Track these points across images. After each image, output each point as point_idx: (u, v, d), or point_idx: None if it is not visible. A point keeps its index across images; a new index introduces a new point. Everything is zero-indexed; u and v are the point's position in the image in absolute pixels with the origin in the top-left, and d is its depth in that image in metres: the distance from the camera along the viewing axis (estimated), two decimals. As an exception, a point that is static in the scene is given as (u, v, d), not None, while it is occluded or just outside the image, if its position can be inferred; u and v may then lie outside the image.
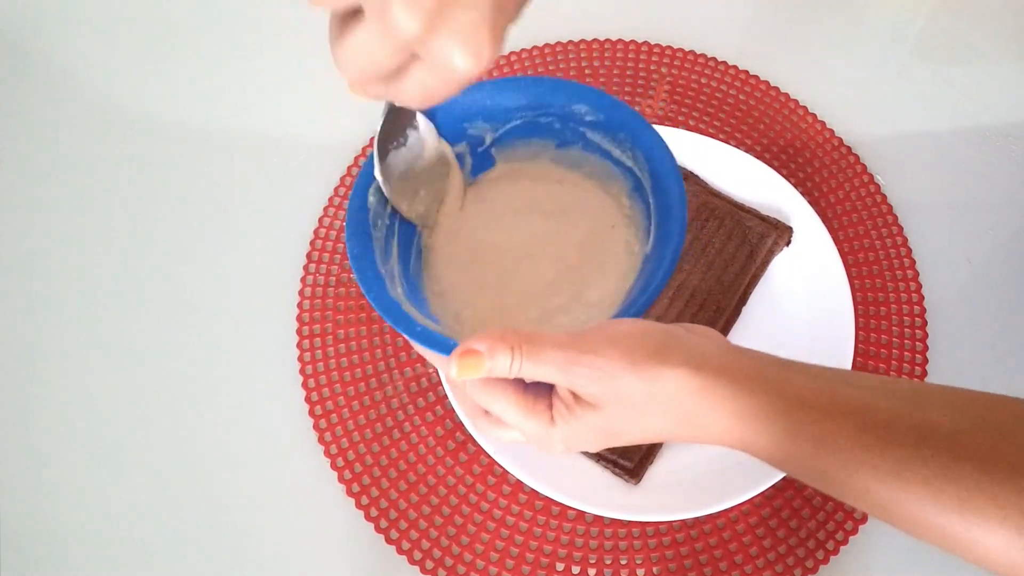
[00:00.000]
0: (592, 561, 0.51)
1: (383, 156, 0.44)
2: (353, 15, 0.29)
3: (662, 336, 0.35)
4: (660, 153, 0.45)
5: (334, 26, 0.31)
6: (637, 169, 0.47)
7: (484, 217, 0.50)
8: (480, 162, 0.51)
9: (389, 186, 0.45)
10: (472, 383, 0.37)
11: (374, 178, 0.45)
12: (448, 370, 0.35)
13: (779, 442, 0.34)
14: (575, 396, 0.35)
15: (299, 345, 0.58)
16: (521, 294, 0.47)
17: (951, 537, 0.31)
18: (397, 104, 0.34)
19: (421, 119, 0.46)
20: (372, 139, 0.44)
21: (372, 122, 0.67)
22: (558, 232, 0.49)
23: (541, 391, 0.37)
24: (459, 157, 0.49)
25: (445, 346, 0.38)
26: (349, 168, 0.66)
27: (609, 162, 0.49)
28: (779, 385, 0.34)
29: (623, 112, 0.46)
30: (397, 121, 0.44)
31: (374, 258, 0.43)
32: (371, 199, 0.45)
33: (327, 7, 0.29)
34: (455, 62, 0.28)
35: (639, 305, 0.40)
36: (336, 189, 0.65)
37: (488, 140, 0.49)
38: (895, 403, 0.33)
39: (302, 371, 0.57)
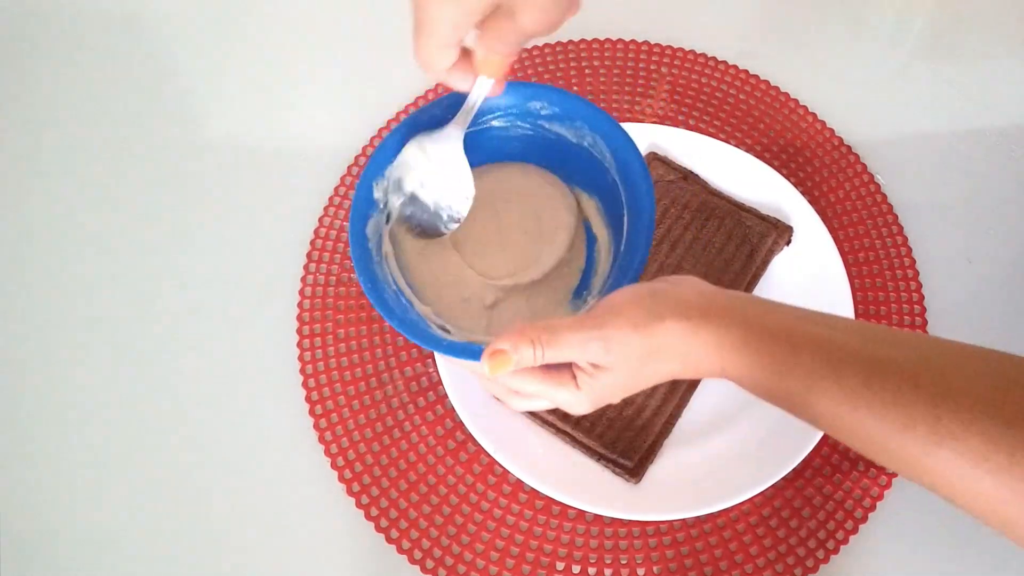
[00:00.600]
0: (592, 560, 0.51)
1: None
2: None
3: (652, 296, 0.40)
4: (615, 132, 0.47)
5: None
6: (597, 152, 0.49)
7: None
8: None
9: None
10: (503, 375, 0.42)
11: (367, 204, 0.46)
12: (481, 370, 0.40)
13: (750, 369, 0.38)
14: (594, 365, 0.40)
15: (299, 345, 0.58)
16: (484, 282, 0.49)
17: (896, 457, 0.35)
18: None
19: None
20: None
21: (372, 123, 0.68)
22: (517, 218, 0.51)
23: (562, 364, 0.42)
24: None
25: (471, 352, 0.42)
26: (349, 168, 0.66)
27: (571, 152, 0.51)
28: (749, 318, 0.39)
29: (574, 102, 0.48)
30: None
31: (384, 288, 0.45)
32: (369, 228, 0.46)
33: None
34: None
35: (632, 273, 0.44)
36: (336, 189, 0.65)
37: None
38: (853, 338, 0.37)
39: (302, 371, 0.57)
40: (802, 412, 0.38)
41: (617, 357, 0.39)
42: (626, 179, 0.47)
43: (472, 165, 0.47)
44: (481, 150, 0.49)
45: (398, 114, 0.68)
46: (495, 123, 0.50)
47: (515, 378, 0.42)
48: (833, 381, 0.36)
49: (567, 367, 0.42)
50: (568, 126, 0.49)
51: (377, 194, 0.47)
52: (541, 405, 0.46)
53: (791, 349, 0.37)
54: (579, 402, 0.42)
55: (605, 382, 0.41)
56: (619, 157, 0.47)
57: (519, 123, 0.50)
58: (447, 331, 0.47)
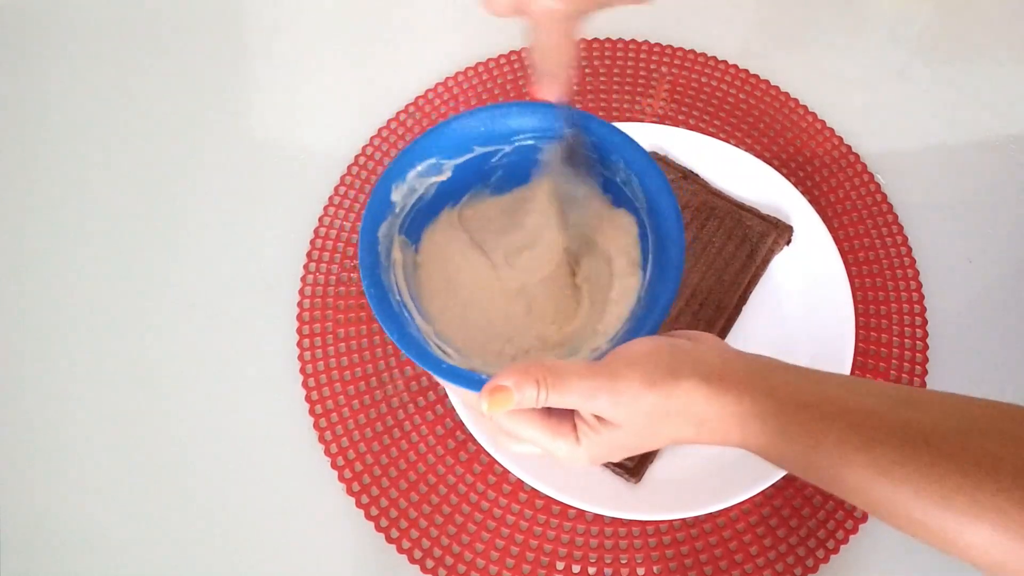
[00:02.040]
0: (592, 560, 0.51)
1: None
2: None
3: (671, 352, 0.37)
4: (651, 171, 0.45)
5: None
6: (628, 190, 0.47)
7: (466, 241, 0.50)
8: (472, 182, 0.50)
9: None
10: (500, 413, 0.39)
11: (383, 205, 0.45)
12: (480, 406, 0.37)
13: (775, 441, 0.36)
14: (598, 418, 0.38)
15: (299, 345, 0.58)
16: (503, 329, 0.48)
17: (935, 533, 0.33)
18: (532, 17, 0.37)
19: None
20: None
21: (371, 124, 0.68)
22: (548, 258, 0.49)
23: (563, 413, 0.39)
24: (462, 173, 0.49)
25: (471, 381, 0.40)
26: (349, 168, 0.66)
27: (600, 185, 0.49)
28: (775, 387, 0.36)
29: (616, 136, 0.46)
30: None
31: (389, 297, 0.44)
32: (381, 231, 0.45)
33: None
34: None
35: (651, 325, 0.41)
36: (336, 189, 0.65)
37: (495, 159, 0.49)
38: (883, 405, 0.35)
39: (302, 371, 0.57)
40: (832, 486, 0.36)
41: (626, 414, 0.37)
42: (658, 225, 0.45)
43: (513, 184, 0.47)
44: (518, 167, 0.48)
45: (398, 114, 0.68)
46: (528, 142, 0.48)
47: (512, 419, 0.39)
48: (865, 453, 0.34)
49: (568, 417, 0.39)
50: (604, 158, 0.47)
51: (395, 196, 0.46)
52: (532, 452, 0.42)
53: (820, 421, 0.35)
54: (576, 457, 0.39)
55: (608, 439, 0.38)
56: (652, 200, 0.45)
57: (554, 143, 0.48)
58: (445, 353, 0.45)
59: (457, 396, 0.53)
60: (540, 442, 0.39)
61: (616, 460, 0.40)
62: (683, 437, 0.38)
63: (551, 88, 0.40)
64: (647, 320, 0.42)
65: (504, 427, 0.40)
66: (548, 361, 0.37)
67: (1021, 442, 0.32)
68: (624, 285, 0.47)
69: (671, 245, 0.43)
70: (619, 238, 0.48)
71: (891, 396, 0.36)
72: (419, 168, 0.46)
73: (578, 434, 0.39)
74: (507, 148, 0.48)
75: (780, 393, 0.36)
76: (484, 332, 0.47)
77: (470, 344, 0.47)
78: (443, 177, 0.48)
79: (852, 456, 0.34)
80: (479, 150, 0.48)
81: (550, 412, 0.39)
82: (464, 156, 0.48)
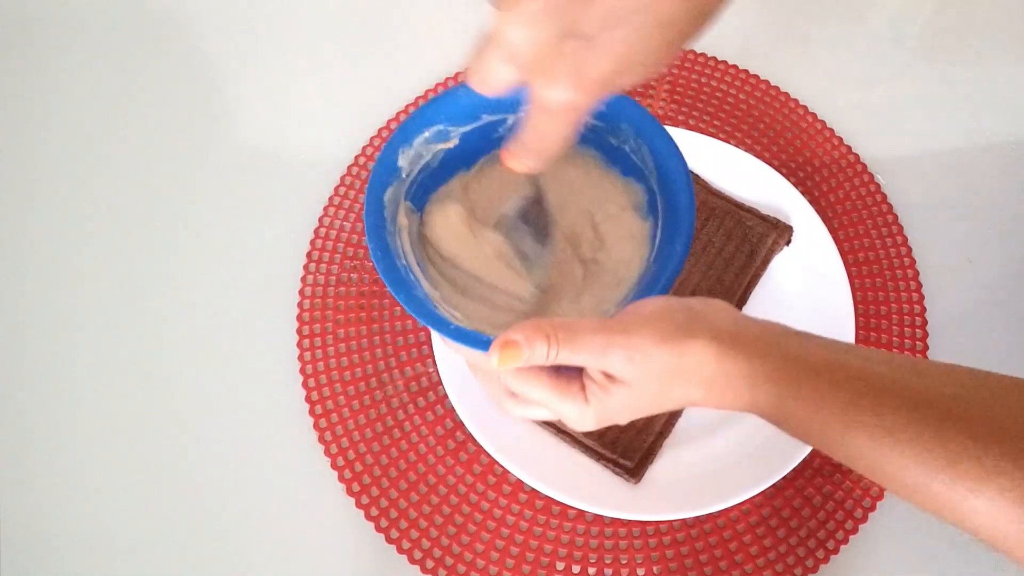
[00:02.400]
0: (592, 560, 0.51)
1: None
2: None
3: (685, 311, 0.38)
4: (661, 137, 0.45)
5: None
6: (637, 158, 0.47)
7: (482, 205, 0.49)
8: (480, 150, 0.50)
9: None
10: (508, 372, 0.39)
11: (390, 169, 0.45)
12: (489, 361, 0.37)
13: (782, 402, 0.36)
14: (608, 376, 0.37)
15: (299, 345, 0.58)
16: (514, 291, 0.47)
17: (939, 497, 0.33)
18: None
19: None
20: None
21: (371, 124, 0.68)
22: (559, 221, 0.49)
23: (572, 373, 0.39)
24: (469, 142, 0.48)
25: (479, 341, 0.40)
26: (349, 168, 0.66)
27: (606, 151, 0.49)
28: (785, 350, 0.36)
29: (622, 102, 0.46)
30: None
31: (394, 260, 0.43)
32: (387, 195, 0.45)
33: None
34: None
35: (662, 283, 0.42)
36: (336, 189, 0.65)
37: (502, 128, 0.48)
38: (893, 372, 0.35)
39: (302, 371, 0.57)
40: (837, 449, 0.36)
41: (638, 371, 0.37)
42: (667, 191, 0.45)
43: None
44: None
45: (398, 114, 0.68)
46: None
47: (520, 379, 0.39)
48: (873, 415, 0.34)
49: (576, 377, 0.39)
50: (611, 125, 0.47)
51: (401, 162, 0.45)
52: (540, 415, 0.42)
53: (830, 384, 0.35)
54: (584, 418, 0.39)
55: (618, 399, 0.38)
56: (662, 166, 0.45)
57: None
58: (453, 316, 0.44)
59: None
60: (548, 402, 0.39)
61: (624, 422, 0.40)
62: (692, 399, 0.38)
63: (526, 163, 0.37)
64: (659, 279, 0.42)
65: (512, 387, 0.40)
66: (559, 319, 0.37)
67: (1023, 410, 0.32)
68: (632, 254, 0.47)
69: (681, 210, 0.43)
70: (625, 210, 0.48)
71: (901, 364, 0.36)
72: (426, 134, 0.46)
73: (587, 394, 0.38)
74: (513, 118, 0.47)
75: (791, 356, 0.36)
76: (487, 304, 0.47)
77: (473, 315, 0.46)
78: (450, 144, 0.47)
79: (860, 418, 0.34)
80: (487, 119, 0.47)
81: (558, 372, 0.39)
82: (471, 124, 0.47)
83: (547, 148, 0.36)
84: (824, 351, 0.37)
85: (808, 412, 0.36)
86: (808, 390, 0.35)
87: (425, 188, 0.48)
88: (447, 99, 0.46)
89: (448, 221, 0.48)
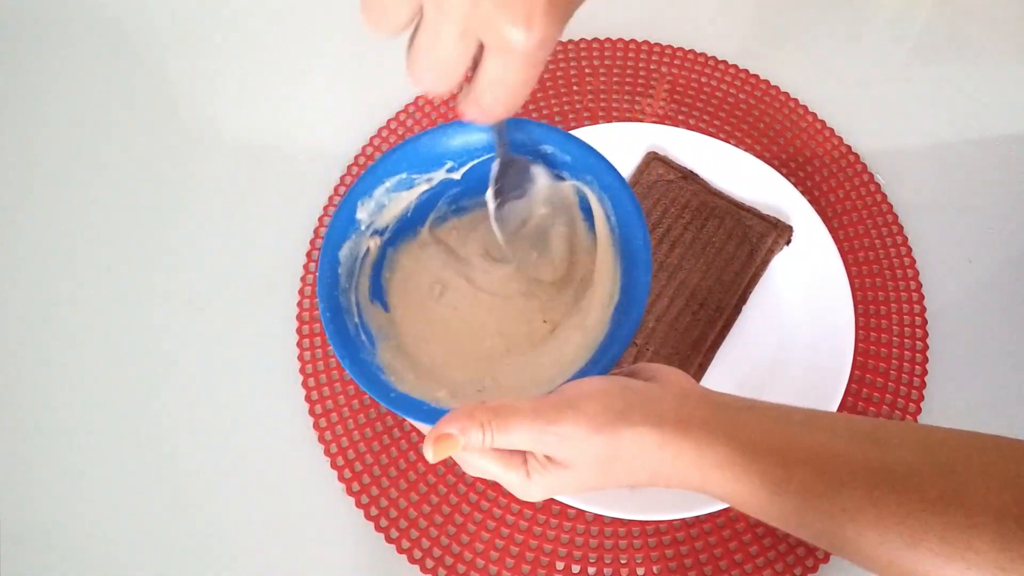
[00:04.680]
0: (592, 560, 0.51)
1: (500, 203, 0.45)
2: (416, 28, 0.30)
3: (621, 394, 0.36)
4: (626, 202, 0.44)
5: (408, 47, 0.32)
6: (606, 215, 0.46)
7: (443, 260, 0.49)
8: (446, 204, 0.49)
9: (503, 236, 0.45)
10: None
11: (346, 223, 0.45)
12: (424, 453, 0.36)
13: (737, 489, 0.35)
14: (547, 457, 0.37)
15: (299, 344, 0.58)
16: (474, 353, 0.47)
17: (905, 573, 0.32)
18: (482, 116, 0.34)
19: (539, 171, 0.45)
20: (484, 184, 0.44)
21: (371, 123, 0.68)
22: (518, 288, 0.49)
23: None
24: (429, 198, 0.48)
25: (420, 412, 0.40)
26: (349, 168, 0.66)
27: (581, 211, 0.48)
28: (734, 434, 0.35)
29: (589, 155, 0.45)
30: (510, 174, 0.44)
31: (347, 320, 0.43)
32: (343, 251, 0.44)
33: (386, 30, 0.30)
34: (506, 33, 0.28)
35: (606, 362, 0.41)
36: (336, 189, 0.65)
37: (457, 179, 0.48)
38: (848, 444, 0.34)
39: (302, 371, 0.57)
40: (798, 531, 0.35)
41: (574, 455, 0.36)
42: (625, 257, 0.43)
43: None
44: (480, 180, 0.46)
45: (398, 114, 0.68)
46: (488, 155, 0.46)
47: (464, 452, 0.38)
48: (830, 498, 0.33)
49: (519, 451, 0.38)
50: (578, 177, 0.46)
51: (360, 214, 0.45)
52: (490, 477, 0.41)
53: (783, 466, 0.34)
54: (529, 490, 0.38)
55: (557, 478, 0.37)
56: (624, 230, 0.44)
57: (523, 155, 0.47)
58: (403, 380, 0.43)
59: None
60: (492, 472, 0.38)
61: (573, 495, 0.40)
62: (639, 480, 0.37)
63: (481, 116, 0.34)
64: (599, 362, 0.41)
65: (456, 458, 0.39)
66: (493, 402, 0.36)
67: (987, 474, 0.32)
68: (594, 315, 0.45)
69: (637, 286, 0.42)
70: (602, 263, 0.47)
71: (856, 434, 0.35)
72: (387, 184, 0.46)
73: (528, 468, 0.38)
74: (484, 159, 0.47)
75: (740, 438, 0.35)
76: (451, 350, 0.47)
77: (436, 360, 0.46)
78: (421, 190, 0.47)
79: (817, 502, 0.33)
80: (449, 164, 0.47)
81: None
82: (436, 170, 0.47)
83: (504, 103, 0.33)
84: (776, 428, 0.35)
85: (763, 498, 0.35)
86: (761, 477, 0.34)
87: (396, 237, 0.48)
88: (408, 147, 0.46)
89: (425, 263, 0.48)
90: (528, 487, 0.38)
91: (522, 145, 0.45)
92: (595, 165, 0.45)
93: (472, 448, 0.36)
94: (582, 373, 0.41)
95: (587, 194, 0.46)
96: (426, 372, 0.45)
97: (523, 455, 0.38)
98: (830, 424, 0.36)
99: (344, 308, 0.43)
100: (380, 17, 0.30)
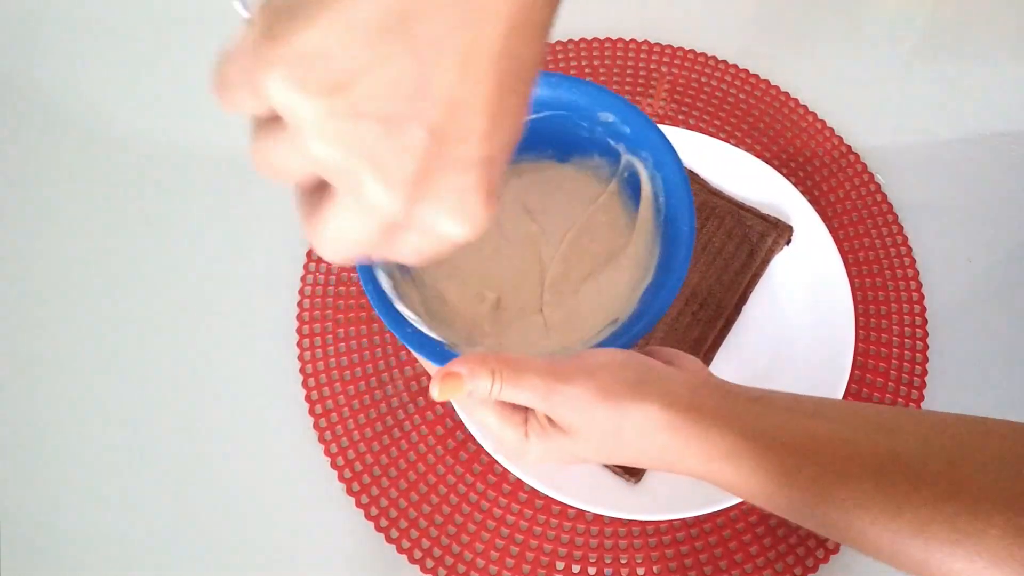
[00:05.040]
0: (592, 560, 0.51)
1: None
2: (322, 188, 0.25)
3: (639, 370, 0.36)
4: (679, 186, 0.43)
5: (303, 201, 0.26)
6: (654, 194, 0.45)
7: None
8: None
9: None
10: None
11: None
12: (431, 390, 0.36)
13: (747, 480, 0.35)
14: (550, 420, 0.36)
15: (299, 344, 0.58)
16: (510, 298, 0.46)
17: (917, 563, 0.32)
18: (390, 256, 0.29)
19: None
20: None
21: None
22: (550, 239, 0.48)
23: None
24: None
25: (435, 352, 0.39)
26: (349, 168, 0.65)
27: (627, 187, 0.47)
28: (744, 423, 0.35)
29: (652, 132, 0.44)
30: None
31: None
32: None
33: (285, 181, 0.25)
34: (446, 230, 0.25)
35: (629, 337, 0.40)
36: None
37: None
38: (858, 434, 0.34)
39: (302, 371, 0.57)
40: (806, 521, 0.35)
41: (579, 422, 0.35)
42: (668, 235, 0.43)
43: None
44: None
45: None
46: (545, 112, 0.45)
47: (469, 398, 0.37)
48: (841, 488, 0.33)
49: (521, 407, 0.37)
50: (631, 151, 0.45)
51: None
52: (488, 430, 0.40)
53: (793, 457, 0.34)
54: (523, 451, 0.38)
55: (556, 443, 0.37)
56: (672, 212, 0.43)
57: (577, 120, 0.45)
58: (427, 311, 0.43)
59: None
60: (490, 424, 0.38)
61: (567, 465, 0.39)
62: (644, 460, 0.37)
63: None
64: (623, 334, 0.40)
65: (460, 401, 0.39)
66: (508, 354, 0.36)
67: (997, 463, 0.32)
68: (616, 291, 0.45)
69: (678, 262, 0.42)
70: (639, 241, 0.47)
71: (866, 422, 0.35)
72: None
73: (527, 428, 0.37)
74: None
75: (751, 429, 0.35)
76: (477, 278, 0.46)
77: (461, 294, 0.45)
78: None
79: (827, 491, 0.33)
80: None
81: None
82: None
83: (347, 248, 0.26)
84: (786, 419, 0.35)
85: (772, 489, 0.35)
86: (770, 467, 0.34)
87: None
88: None
89: None
90: (524, 447, 0.37)
91: (582, 108, 0.44)
92: (656, 143, 0.44)
93: (479, 394, 0.35)
94: (601, 343, 0.41)
95: (639, 170, 0.45)
96: (438, 313, 0.45)
97: (524, 414, 0.37)
98: (839, 413, 0.36)
99: (382, 271, 0.43)
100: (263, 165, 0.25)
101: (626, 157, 0.46)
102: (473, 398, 0.35)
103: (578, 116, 0.45)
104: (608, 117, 0.45)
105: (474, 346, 0.44)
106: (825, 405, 0.37)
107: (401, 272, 0.45)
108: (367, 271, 0.42)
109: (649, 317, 0.41)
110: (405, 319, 0.41)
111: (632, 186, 0.47)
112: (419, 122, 0.22)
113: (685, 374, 0.38)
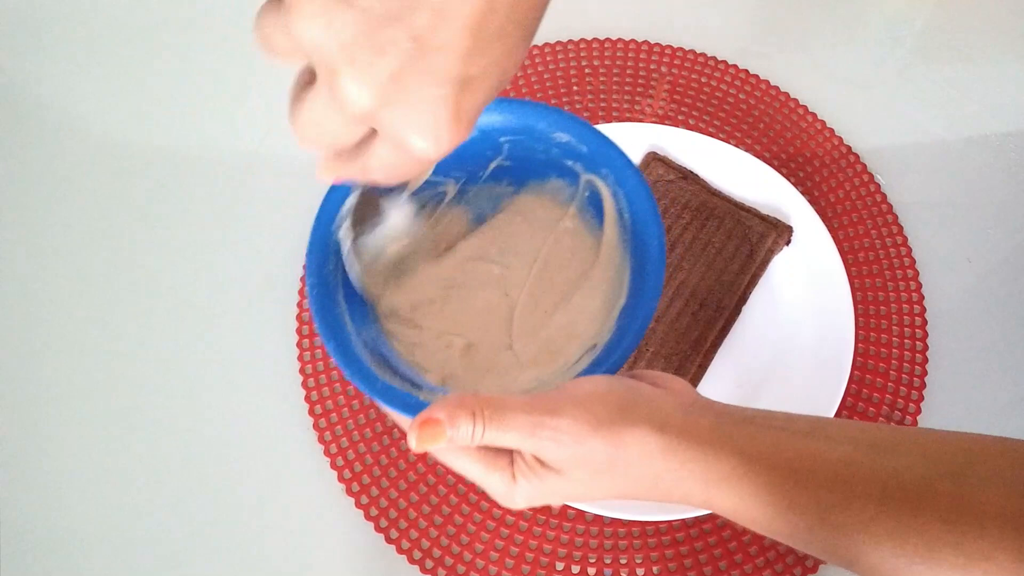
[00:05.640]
0: (592, 561, 0.51)
1: (356, 236, 0.41)
2: (310, 80, 0.27)
3: (627, 395, 0.35)
4: (643, 200, 0.42)
5: (294, 91, 0.29)
6: (618, 211, 0.44)
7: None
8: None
9: (360, 269, 0.42)
10: None
11: (338, 217, 0.42)
12: (408, 440, 0.33)
13: (746, 505, 0.34)
14: (538, 460, 0.35)
15: (299, 345, 0.58)
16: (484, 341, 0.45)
17: None
18: (361, 182, 0.31)
19: (404, 197, 0.42)
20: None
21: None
22: (520, 276, 0.47)
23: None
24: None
25: (405, 404, 0.37)
26: (349, 168, 0.65)
27: (589, 207, 0.46)
28: (741, 445, 0.34)
29: (609, 149, 0.43)
30: (370, 201, 0.41)
31: (336, 307, 0.41)
32: (337, 233, 0.42)
33: (281, 59, 0.27)
34: (410, 141, 0.25)
35: (612, 362, 0.39)
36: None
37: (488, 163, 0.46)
38: (857, 453, 0.33)
39: (302, 371, 0.57)
40: (807, 547, 0.34)
41: (568, 457, 0.33)
42: (637, 259, 0.42)
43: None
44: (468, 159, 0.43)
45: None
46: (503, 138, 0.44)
47: (446, 448, 0.35)
48: (842, 511, 0.32)
49: (506, 451, 0.35)
50: (590, 169, 0.44)
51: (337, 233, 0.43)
52: (471, 479, 0.38)
53: (792, 480, 0.33)
54: (511, 495, 0.35)
55: (547, 484, 0.34)
56: (638, 228, 0.42)
57: (531, 143, 0.44)
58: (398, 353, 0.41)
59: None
60: (473, 473, 0.36)
61: (557, 505, 0.36)
62: (640, 491, 0.35)
63: (362, 180, 0.31)
64: (605, 361, 0.39)
65: (436, 456, 0.37)
66: (487, 394, 0.33)
67: (1001, 482, 0.31)
68: (589, 317, 0.44)
69: (649, 288, 0.40)
70: (606, 262, 0.46)
71: (865, 441, 0.34)
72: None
73: (514, 471, 0.35)
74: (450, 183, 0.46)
75: (748, 451, 0.34)
76: (442, 327, 0.45)
77: (429, 346, 0.44)
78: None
79: (828, 515, 0.32)
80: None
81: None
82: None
83: (396, 177, 0.30)
84: (782, 440, 0.34)
85: (772, 514, 0.33)
86: (769, 491, 0.33)
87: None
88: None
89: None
90: (512, 491, 0.35)
91: (536, 132, 0.44)
92: (614, 159, 0.43)
93: (460, 440, 0.33)
94: (583, 372, 0.40)
95: (599, 188, 0.45)
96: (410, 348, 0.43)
97: (510, 455, 0.35)
98: (835, 433, 0.35)
99: (332, 285, 0.41)
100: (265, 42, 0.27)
101: (585, 176, 0.45)
102: (453, 444, 0.33)
103: (532, 139, 0.44)
104: (563, 137, 0.44)
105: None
106: (820, 424, 0.36)
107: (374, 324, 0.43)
108: (330, 321, 0.40)
109: (630, 338, 0.39)
110: (374, 374, 0.39)
111: (594, 205, 0.46)
112: (404, 25, 0.23)
113: (674, 396, 0.36)
